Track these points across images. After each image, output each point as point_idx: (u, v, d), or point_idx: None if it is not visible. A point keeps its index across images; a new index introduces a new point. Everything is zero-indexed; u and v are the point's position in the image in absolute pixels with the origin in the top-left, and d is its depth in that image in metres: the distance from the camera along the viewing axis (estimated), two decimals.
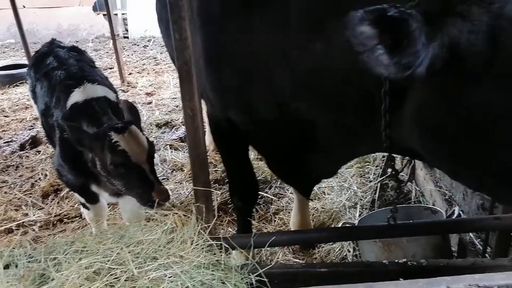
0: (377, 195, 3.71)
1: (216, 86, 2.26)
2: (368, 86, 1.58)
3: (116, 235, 2.06)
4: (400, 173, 3.95)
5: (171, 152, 4.82)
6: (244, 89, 2.14)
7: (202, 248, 1.98)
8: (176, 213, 2.12)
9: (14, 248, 2.05)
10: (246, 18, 1.98)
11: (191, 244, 1.97)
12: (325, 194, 3.88)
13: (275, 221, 3.61)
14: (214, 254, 1.98)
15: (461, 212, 3.04)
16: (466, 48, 1.19)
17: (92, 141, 2.42)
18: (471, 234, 2.81)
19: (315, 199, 3.84)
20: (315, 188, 3.91)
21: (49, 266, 1.89)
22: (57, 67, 3.07)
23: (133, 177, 2.42)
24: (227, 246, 2.04)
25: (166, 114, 5.82)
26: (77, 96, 2.68)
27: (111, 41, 7.24)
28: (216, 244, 2.01)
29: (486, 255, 2.48)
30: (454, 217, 2.82)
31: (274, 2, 1.90)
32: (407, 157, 3.54)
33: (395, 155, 2.28)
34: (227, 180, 3.60)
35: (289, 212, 3.62)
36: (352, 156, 2.51)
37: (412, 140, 1.54)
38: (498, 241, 2.26)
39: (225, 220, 3.67)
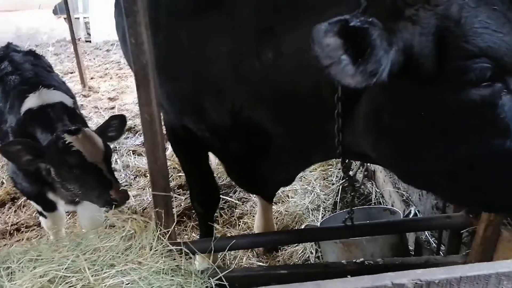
0: (338, 197, 3.79)
1: (169, 94, 2.26)
2: (320, 93, 1.61)
3: (73, 242, 2.02)
4: (359, 176, 4.07)
5: (134, 158, 4.76)
6: (197, 97, 2.14)
7: (162, 254, 1.97)
8: (135, 219, 2.11)
9: None
10: (196, 25, 1.99)
11: (150, 250, 1.96)
12: (288, 197, 3.93)
13: (239, 225, 3.63)
14: (174, 259, 1.97)
15: (417, 212, 3.16)
16: (419, 50, 1.24)
17: (45, 150, 2.37)
18: (426, 233, 2.92)
19: (279, 202, 3.88)
20: (279, 191, 3.96)
21: (2, 275, 1.84)
22: (12, 72, 2.98)
23: (89, 177, 2.39)
24: (187, 251, 2.04)
25: (129, 119, 5.72)
26: (31, 101, 2.62)
27: (73, 45, 7.08)
28: (176, 249, 2.01)
29: (441, 252, 2.59)
30: (410, 216, 2.93)
31: (224, 9, 1.92)
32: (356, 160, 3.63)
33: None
34: None
35: (253, 216, 3.64)
36: (307, 163, 2.53)
37: (366, 145, 1.59)
38: (450, 239, 2.36)
39: (189, 226, 3.66)
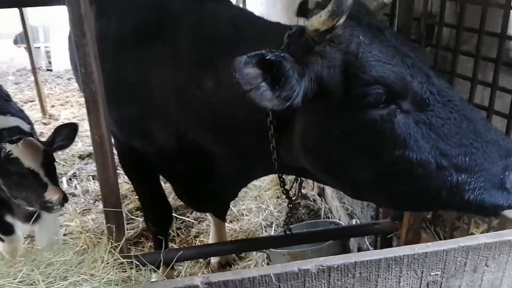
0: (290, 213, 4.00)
1: (118, 119, 2.44)
2: (256, 117, 1.84)
3: (28, 258, 2.13)
4: (311, 193, 4.32)
5: (94, 183, 4.84)
6: (143, 122, 2.34)
7: (113, 266, 2.11)
8: (87, 235, 2.25)
9: None
10: (139, 55, 2.21)
11: (102, 263, 2.10)
12: (243, 216, 4.12)
13: (195, 243, 3.77)
14: (125, 271, 2.12)
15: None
16: (328, 79, 1.51)
17: None
18: (367, 243, 3.18)
19: (234, 221, 4.06)
20: (234, 210, 4.15)
21: None
22: None
23: (25, 182, 2.54)
24: (137, 263, 2.18)
25: (90, 145, 5.80)
26: None
27: (33, 74, 7.13)
28: (127, 261, 2.16)
29: None
30: None
31: (164, 41, 2.15)
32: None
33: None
34: None
35: (209, 235, 3.80)
36: (249, 179, 2.74)
37: (299, 160, 1.82)
38: (382, 243, 2.61)
39: (147, 246, 3.77)
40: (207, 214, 4.14)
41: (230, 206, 4.06)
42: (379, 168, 1.58)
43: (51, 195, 2.53)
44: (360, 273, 1.36)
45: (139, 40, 2.23)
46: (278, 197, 4.43)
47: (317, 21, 1.43)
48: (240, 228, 3.92)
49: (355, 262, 1.35)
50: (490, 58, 1.86)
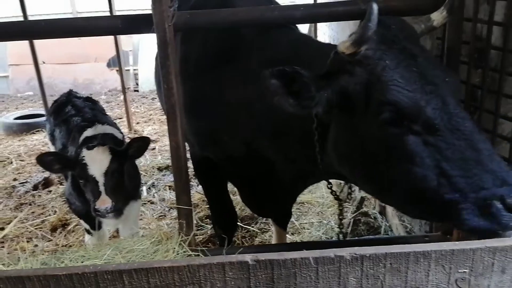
0: (350, 228, 4.12)
1: (195, 130, 2.81)
2: (305, 125, 2.09)
3: (112, 245, 2.52)
4: (372, 211, 4.40)
5: (170, 192, 5.31)
6: (216, 133, 2.68)
7: (182, 257, 2.43)
8: (163, 231, 2.61)
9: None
10: (216, 76, 2.57)
11: (173, 253, 2.42)
12: (304, 229, 4.31)
13: None
14: None
15: None
16: (353, 95, 1.74)
17: (70, 161, 2.97)
18: None
19: (295, 233, 4.26)
20: (296, 223, 4.35)
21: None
22: (75, 114, 3.69)
23: (87, 186, 2.92)
24: (202, 255, 2.48)
25: (168, 159, 6.36)
26: (88, 132, 3.26)
27: (122, 94, 7.97)
28: (194, 254, 2.46)
29: None
30: None
31: (238, 63, 2.48)
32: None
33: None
34: None
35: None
36: (303, 183, 2.92)
37: (336, 165, 2.04)
38: None
39: None
40: (270, 225, 4.39)
41: (293, 219, 4.28)
42: (390, 177, 1.76)
43: (100, 204, 2.85)
44: (390, 263, 1.53)
45: (217, 62, 2.59)
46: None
47: (343, 46, 1.70)
48: (301, 240, 4.10)
49: (386, 253, 1.52)
50: None
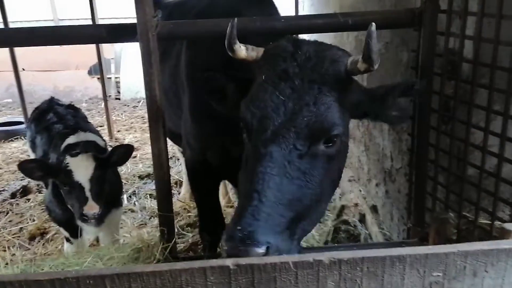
0: (330, 237, 4.18)
1: (197, 133, 2.86)
2: None
3: (93, 253, 2.52)
4: (352, 219, 4.47)
5: (151, 200, 5.28)
6: (224, 135, 2.73)
7: (163, 263, 2.44)
8: (144, 239, 2.62)
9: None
10: None
11: (154, 260, 2.44)
12: None
13: None
14: None
15: None
16: None
17: (52, 168, 2.96)
18: None
19: None
20: None
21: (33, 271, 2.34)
22: (57, 122, 3.66)
23: (72, 193, 2.91)
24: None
25: (149, 167, 6.32)
26: (70, 140, 3.25)
27: (103, 102, 7.92)
28: (176, 260, 2.48)
29: None
30: None
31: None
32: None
33: None
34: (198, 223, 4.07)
35: None
36: None
37: None
38: None
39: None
40: None
41: None
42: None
43: (88, 209, 2.86)
44: (367, 267, 1.58)
45: (223, 66, 2.64)
46: (320, 222, 4.61)
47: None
48: None
49: (363, 257, 1.57)
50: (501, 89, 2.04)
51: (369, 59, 1.75)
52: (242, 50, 2.05)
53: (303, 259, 1.57)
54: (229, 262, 1.57)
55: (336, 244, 3.84)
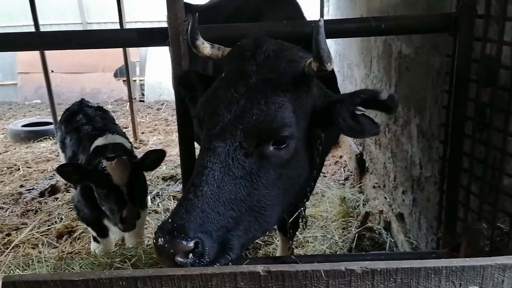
0: (354, 243, 4.12)
1: None
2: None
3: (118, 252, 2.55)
4: (376, 226, 4.40)
5: (174, 202, 5.33)
6: None
7: None
8: None
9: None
10: None
11: None
12: (308, 242, 4.31)
13: None
14: None
15: None
16: None
17: (89, 172, 3.00)
18: None
19: (299, 247, 4.26)
20: (300, 237, 4.36)
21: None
22: (86, 123, 3.74)
23: (111, 196, 2.94)
24: None
25: (172, 169, 6.40)
26: (99, 142, 3.31)
27: (128, 103, 8.04)
28: None
29: None
30: None
31: None
32: None
33: None
34: None
35: None
36: None
37: None
38: None
39: None
40: (274, 237, 4.39)
41: (297, 233, 4.28)
42: None
43: (127, 213, 2.91)
44: (401, 279, 1.54)
45: None
46: (344, 228, 4.56)
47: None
48: (305, 254, 4.10)
49: (397, 268, 1.54)
50: None
51: (318, 57, 1.67)
52: (205, 47, 2.04)
53: (335, 268, 1.55)
54: (260, 268, 1.56)
55: (363, 253, 3.78)
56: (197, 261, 1.56)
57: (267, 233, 4.41)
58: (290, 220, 2.31)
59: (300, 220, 2.46)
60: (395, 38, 3.93)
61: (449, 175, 2.50)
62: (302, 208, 2.24)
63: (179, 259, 1.54)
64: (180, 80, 2.11)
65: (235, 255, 1.71)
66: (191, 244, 1.54)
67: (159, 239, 1.56)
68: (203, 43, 2.04)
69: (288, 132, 1.75)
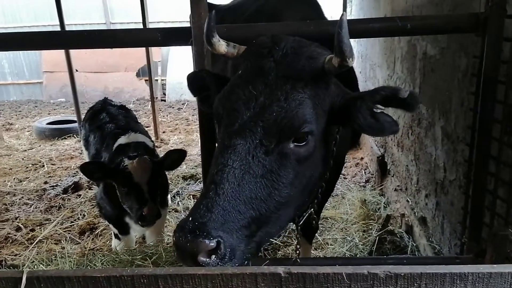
0: (375, 247, 4.06)
1: None
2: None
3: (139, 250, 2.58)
4: (398, 230, 4.33)
5: (193, 201, 5.36)
6: None
7: None
8: None
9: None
10: None
11: None
12: (328, 244, 4.27)
13: None
14: None
15: None
16: None
17: (111, 170, 3.04)
18: None
19: (319, 248, 4.22)
20: (319, 238, 4.32)
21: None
22: (109, 122, 3.79)
23: (132, 194, 2.97)
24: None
25: (192, 168, 6.44)
26: (122, 140, 3.35)
27: (150, 103, 8.12)
28: None
29: None
30: None
31: None
32: None
33: None
34: None
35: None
36: None
37: None
38: None
39: None
40: (293, 238, 4.37)
41: (316, 235, 4.25)
42: None
43: (148, 211, 2.92)
44: (425, 284, 1.50)
45: None
46: (364, 231, 4.51)
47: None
48: (324, 256, 4.06)
49: (421, 273, 1.50)
50: None
51: (340, 52, 1.63)
52: (221, 45, 2.02)
53: (357, 271, 1.52)
54: (281, 270, 1.55)
55: (385, 256, 3.72)
56: (219, 261, 1.54)
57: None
58: (301, 220, 2.28)
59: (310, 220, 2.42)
60: (420, 38, 3.86)
61: (475, 179, 2.43)
62: (312, 210, 2.20)
63: (202, 258, 1.51)
64: (191, 80, 2.08)
65: (254, 255, 1.70)
66: (213, 243, 1.51)
67: (180, 238, 1.53)
68: (219, 41, 2.03)
69: (309, 128, 1.73)
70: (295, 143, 1.72)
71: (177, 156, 3.18)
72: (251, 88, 1.74)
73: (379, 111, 1.76)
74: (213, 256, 1.52)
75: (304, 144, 1.74)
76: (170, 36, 2.48)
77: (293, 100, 1.70)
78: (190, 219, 1.57)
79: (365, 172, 6.18)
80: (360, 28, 2.33)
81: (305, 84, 1.75)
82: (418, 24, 2.21)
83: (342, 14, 1.65)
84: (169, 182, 5.83)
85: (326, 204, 4.30)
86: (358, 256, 4.04)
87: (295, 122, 1.69)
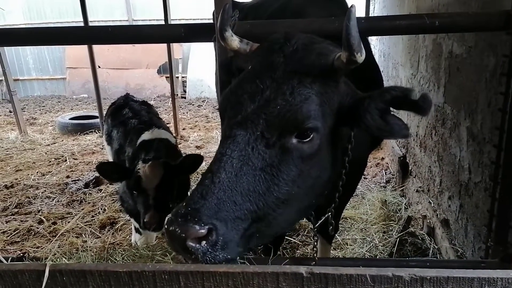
0: (395, 248, 4.00)
1: None
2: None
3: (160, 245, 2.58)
4: (419, 232, 4.25)
5: None
6: None
7: None
8: None
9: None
10: None
11: None
12: (347, 245, 4.22)
13: None
14: None
15: None
16: None
17: (127, 171, 3.04)
18: None
19: (338, 249, 4.18)
20: (339, 238, 4.28)
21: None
22: (132, 117, 3.83)
23: (138, 198, 2.94)
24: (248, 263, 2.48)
25: None
26: (146, 136, 3.37)
27: (171, 99, 8.18)
28: (240, 262, 2.47)
29: None
30: None
31: None
32: None
33: None
34: None
35: None
36: None
37: None
38: None
39: None
40: (312, 238, 4.33)
41: (336, 235, 4.20)
42: None
43: (148, 218, 2.85)
44: None
45: None
46: (384, 232, 4.44)
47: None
48: (344, 256, 4.02)
49: (448, 277, 1.46)
50: None
51: (348, 46, 1.57)
52: (234, 40, 1.99)
53: (381, 273, 1.49)
54: (303, 269, 1.53)
55: (407, 258, 3.66)
56: (209, 250, 1.49)
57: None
58: (318, 223, 2.22)
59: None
60: (446, 37, 3.77)
61: (503, 181, 2.36)
62: (330, 214, 2.12)
63: (191, 243, 1.46)
64: (223, 64, 2.12)
65: (251, 251, 1.67)
66: (204, 229, 1.47)
67: (171, 222, 1.50)
68: (232, 36, 2.00)
69: (313, 124, 1.68)
70: (298, 139, 1.68)
71: (193, 162, 3.13)
72: (258, 82, 1.72)
73: (389, 113, 1.69)
74: (203, 242, 1.48)
75: (307, 141, 1.69)
76: (194, 32, 2.48)
77: (299, 95, 1.67)
78: (184, 204, 1.55)
79: (385, 173, 6.10)
80: (387, 25, 2.28)
81: (313, 80, 1.71)
82: (446, 22, 2.15)
83: (351, 6, 1.60)
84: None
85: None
86: (378, 257, 3.99)
87: (299, 116, 1.65)
